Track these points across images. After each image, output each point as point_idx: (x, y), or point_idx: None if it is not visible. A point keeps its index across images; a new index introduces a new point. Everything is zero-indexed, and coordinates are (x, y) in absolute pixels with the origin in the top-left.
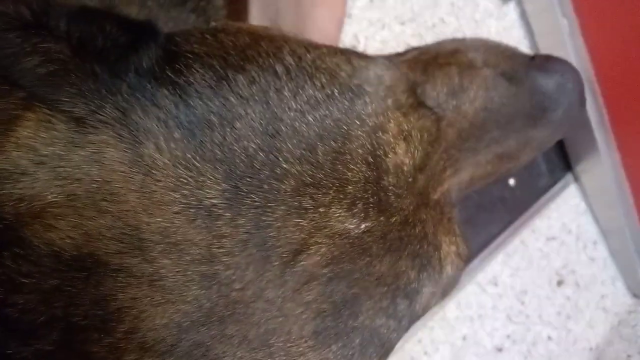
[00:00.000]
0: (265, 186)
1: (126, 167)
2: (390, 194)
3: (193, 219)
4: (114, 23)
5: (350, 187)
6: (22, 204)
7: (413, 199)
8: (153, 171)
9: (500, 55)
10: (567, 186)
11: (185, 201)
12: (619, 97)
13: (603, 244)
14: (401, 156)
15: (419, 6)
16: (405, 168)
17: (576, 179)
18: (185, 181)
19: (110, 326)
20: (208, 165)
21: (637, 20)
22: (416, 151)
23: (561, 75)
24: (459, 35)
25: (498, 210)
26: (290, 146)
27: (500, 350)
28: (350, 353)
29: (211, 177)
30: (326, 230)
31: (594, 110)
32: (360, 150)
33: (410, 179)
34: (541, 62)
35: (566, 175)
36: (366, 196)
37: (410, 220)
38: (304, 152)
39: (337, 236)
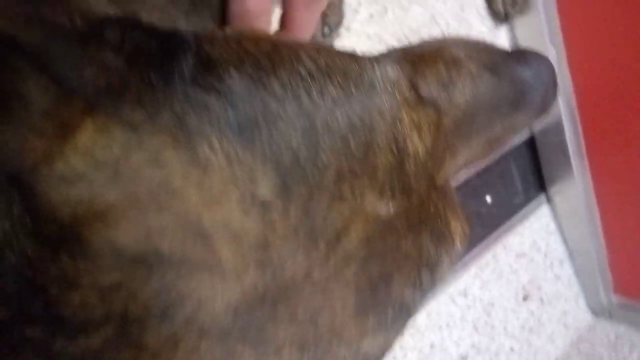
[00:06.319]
0: (310, 179)
1: (185, 166)
2: (411, 178)
3: (249, 210)
4: (150, 32)
5: (380, 174)
6: (80, 206)
7: (425, 182)
8: (210, 168)
9: (480, 51)
10: (540, 206)
11: (240, 194)
12: (597, 128)
13: (569, 263)
14: (416, 144)
15: (417, 24)
16: (420, 155)
17: (549, 200)
18: (239, 176)
19: (170, 314)
20: (259, 161)
21: (621, 59)
22: (427, 139)
23: (537, 65)
24: None
25: (474, 225)
26: (327, 140)
27: (464, 358)
28: (384, 322)
29: (262, 172)
30: (362, 214)
31: (573, 138)
32: (385, 141)
33: (424, 164)
34: (518, 55)
35: (540, 195)
36: (393, 181)
37: (425, 202)
38: (339, 145)
39: (371, 219)
